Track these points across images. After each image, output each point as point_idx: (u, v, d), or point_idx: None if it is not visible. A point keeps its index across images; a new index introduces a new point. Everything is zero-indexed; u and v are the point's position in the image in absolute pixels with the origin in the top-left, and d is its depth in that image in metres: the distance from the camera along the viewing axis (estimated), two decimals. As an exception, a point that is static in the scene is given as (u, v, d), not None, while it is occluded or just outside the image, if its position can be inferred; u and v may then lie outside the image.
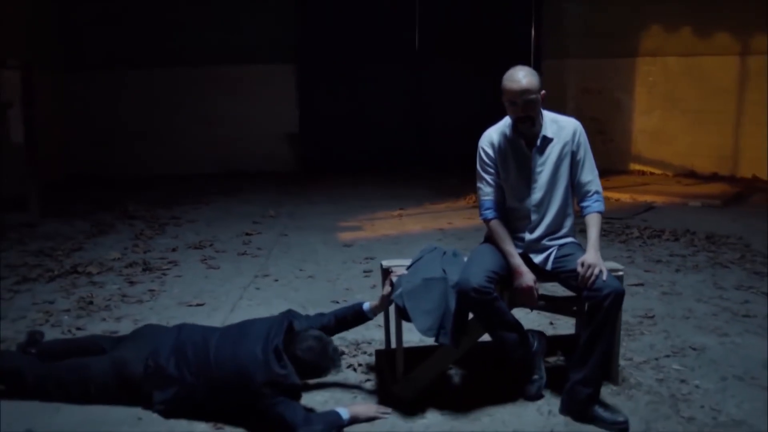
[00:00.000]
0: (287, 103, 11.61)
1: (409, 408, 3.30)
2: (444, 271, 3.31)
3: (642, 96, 11.06)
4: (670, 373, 3.69)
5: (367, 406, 3.27)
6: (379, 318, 4.56)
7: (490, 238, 3.44)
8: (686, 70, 10.55)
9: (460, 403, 3.36)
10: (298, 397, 3.17)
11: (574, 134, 3.36)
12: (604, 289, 3.07)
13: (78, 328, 4.40)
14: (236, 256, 6.23)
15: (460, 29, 11.69)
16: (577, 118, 3.42)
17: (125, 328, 4.32)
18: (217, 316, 4.61)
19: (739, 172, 10.24)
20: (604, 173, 10.68)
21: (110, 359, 3.35)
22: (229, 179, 10.67)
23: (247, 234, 7.05)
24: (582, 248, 3.35)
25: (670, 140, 10.80)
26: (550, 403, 3.35)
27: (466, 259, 3.48)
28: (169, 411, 3.24)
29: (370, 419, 3.20)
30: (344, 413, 3.15)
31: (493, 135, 3.42)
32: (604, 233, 7.00)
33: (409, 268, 3.45)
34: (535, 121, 3.29)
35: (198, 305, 4.87)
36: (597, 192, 3.38)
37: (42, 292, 5.16)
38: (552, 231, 3.39)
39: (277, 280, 5.49)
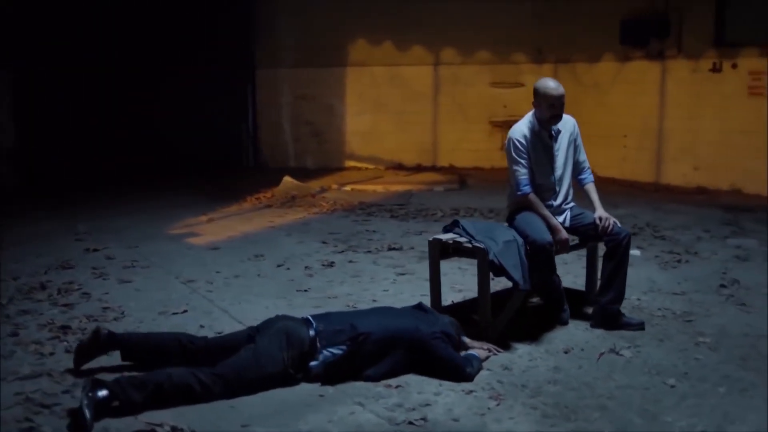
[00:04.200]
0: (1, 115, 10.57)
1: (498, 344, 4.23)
2: (513, 235, 4.31)
3: (353, 101, 12.64)
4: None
5: (479, 351, 4.10)
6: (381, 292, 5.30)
7: (529, 207, 4.50)
8: (390, 78, 12.43)
9: (525, 335, 4.38)
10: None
11: (574, 127, 4.64)
12: (621, 233, 4.43)
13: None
14: (123, 270, 6.08)
15: (185, 42, 11.92)
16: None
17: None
18: (226, 320, 4.78)
19: (438, 162, 12.47)
20: (321, 171, 11.99)
21: (274, 331, 3.66)
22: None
23: (95, 250, 6.75)
24: (582, 209, 4.65)
25: (379, 139, 12.58)
26: (578, 324, 4.58)
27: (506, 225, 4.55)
28: (329, 373, 3.68)
29: (487, 358, 4.07)
30: (478, 354, 3.98)
31: (523, 129, 4.50)
32: (417, 216, 8.37)
33: (474, 238, 4.35)
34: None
35: (184, 312, 4.95)
36: (589, 168, 4.73)
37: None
38: (566, 198, 4.62)
39: (238, 277, 5.84)
